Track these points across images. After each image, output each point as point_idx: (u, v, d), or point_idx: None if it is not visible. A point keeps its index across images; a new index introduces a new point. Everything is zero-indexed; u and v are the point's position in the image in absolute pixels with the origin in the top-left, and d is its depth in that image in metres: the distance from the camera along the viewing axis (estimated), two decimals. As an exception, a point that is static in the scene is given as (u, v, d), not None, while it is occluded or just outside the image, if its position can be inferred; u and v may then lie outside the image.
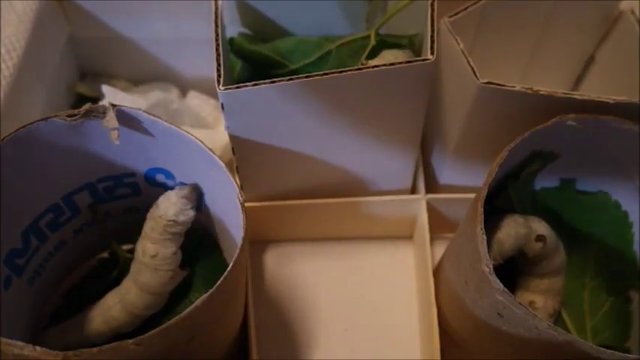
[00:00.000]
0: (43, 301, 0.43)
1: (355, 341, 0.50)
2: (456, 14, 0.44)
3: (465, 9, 0.44)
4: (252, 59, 0.46)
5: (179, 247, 0.40)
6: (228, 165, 0.37)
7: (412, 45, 0.44)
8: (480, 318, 0.38)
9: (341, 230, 0.54)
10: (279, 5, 0.47)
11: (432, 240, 0.50)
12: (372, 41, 0.44)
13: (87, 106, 0.35)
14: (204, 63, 0.55)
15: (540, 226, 0.41)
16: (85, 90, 0.58)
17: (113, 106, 0.35)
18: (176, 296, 0.43)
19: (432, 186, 0.52)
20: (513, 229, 0.40)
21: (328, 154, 0.46)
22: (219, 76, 0.38)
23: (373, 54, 0.44)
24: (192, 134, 0.37)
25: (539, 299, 0.43)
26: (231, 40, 0.47)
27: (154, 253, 0.38)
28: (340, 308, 0.52)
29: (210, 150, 0.36)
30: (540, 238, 0.40)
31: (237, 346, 0.44)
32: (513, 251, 0.40)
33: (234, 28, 0.48)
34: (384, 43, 0.44)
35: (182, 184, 0.41)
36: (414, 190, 0.52)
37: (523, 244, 0.41)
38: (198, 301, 0.31)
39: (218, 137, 0.55)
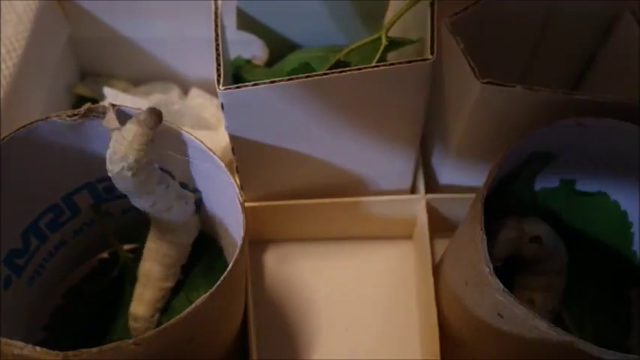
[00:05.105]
0: (43, 301, 0.43)
1: (355, 341, 0.50)
2: (456, 14, 0.43)
3: (465, 9, 0.44)
4: None
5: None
6: (228, 166, 0.37)
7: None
8: (480, 318, 0.38)
9: (341, 230, 0.54)
10: (283, 13, 0.47)
11: (432, 240, 0.50)
12: (384, 42, 0.42)
13: (87, 106, 0.35)
14: (204, 63, 0.55)
15: (537, 227, 0.41)
16: (84, 90, 0.58)
17: (113, 106, 0.35)
18: (176, 296, 0.43)
19: (432, 186, 0.52)
20: (502, 234, 0.40)
21: (328, 154, 0.46)
22: (219, 76, 0.38)
23: (384, 57, 0.42)
24: (192, 134, 0.37)
25: (537, 297, 0.43)
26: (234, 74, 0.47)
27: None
28: (340, 308, 0.52)
29: (211, 150, 0.36)
30: (535, 239, 0.40)
31: (237, 346, 0.44)
32: (505, 255, 0.40)
33: (238, 35, 0.48)
34: (396, 45, 0.43)
35: (182, 184, 0.40)
36: (414, 190, 0.52)
37: (515, 247, 0.40)
38: (198, 301, 0.31)
39: (218, 138, 0.55)
